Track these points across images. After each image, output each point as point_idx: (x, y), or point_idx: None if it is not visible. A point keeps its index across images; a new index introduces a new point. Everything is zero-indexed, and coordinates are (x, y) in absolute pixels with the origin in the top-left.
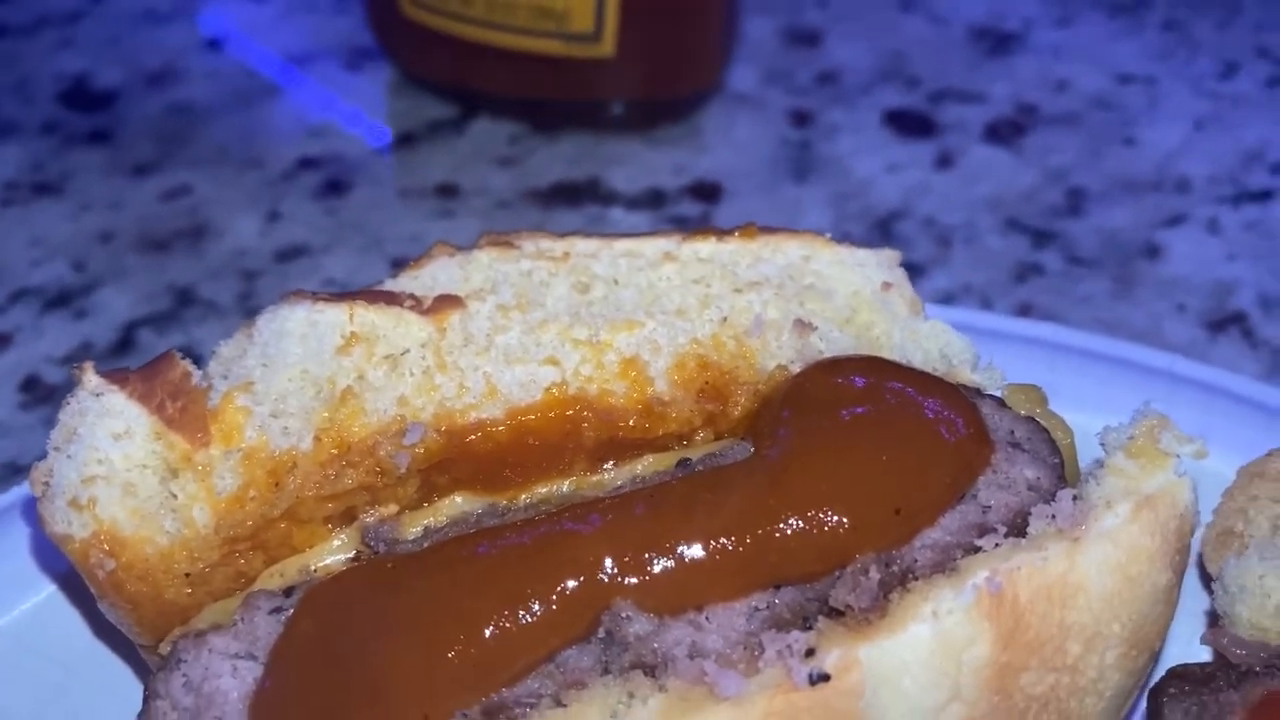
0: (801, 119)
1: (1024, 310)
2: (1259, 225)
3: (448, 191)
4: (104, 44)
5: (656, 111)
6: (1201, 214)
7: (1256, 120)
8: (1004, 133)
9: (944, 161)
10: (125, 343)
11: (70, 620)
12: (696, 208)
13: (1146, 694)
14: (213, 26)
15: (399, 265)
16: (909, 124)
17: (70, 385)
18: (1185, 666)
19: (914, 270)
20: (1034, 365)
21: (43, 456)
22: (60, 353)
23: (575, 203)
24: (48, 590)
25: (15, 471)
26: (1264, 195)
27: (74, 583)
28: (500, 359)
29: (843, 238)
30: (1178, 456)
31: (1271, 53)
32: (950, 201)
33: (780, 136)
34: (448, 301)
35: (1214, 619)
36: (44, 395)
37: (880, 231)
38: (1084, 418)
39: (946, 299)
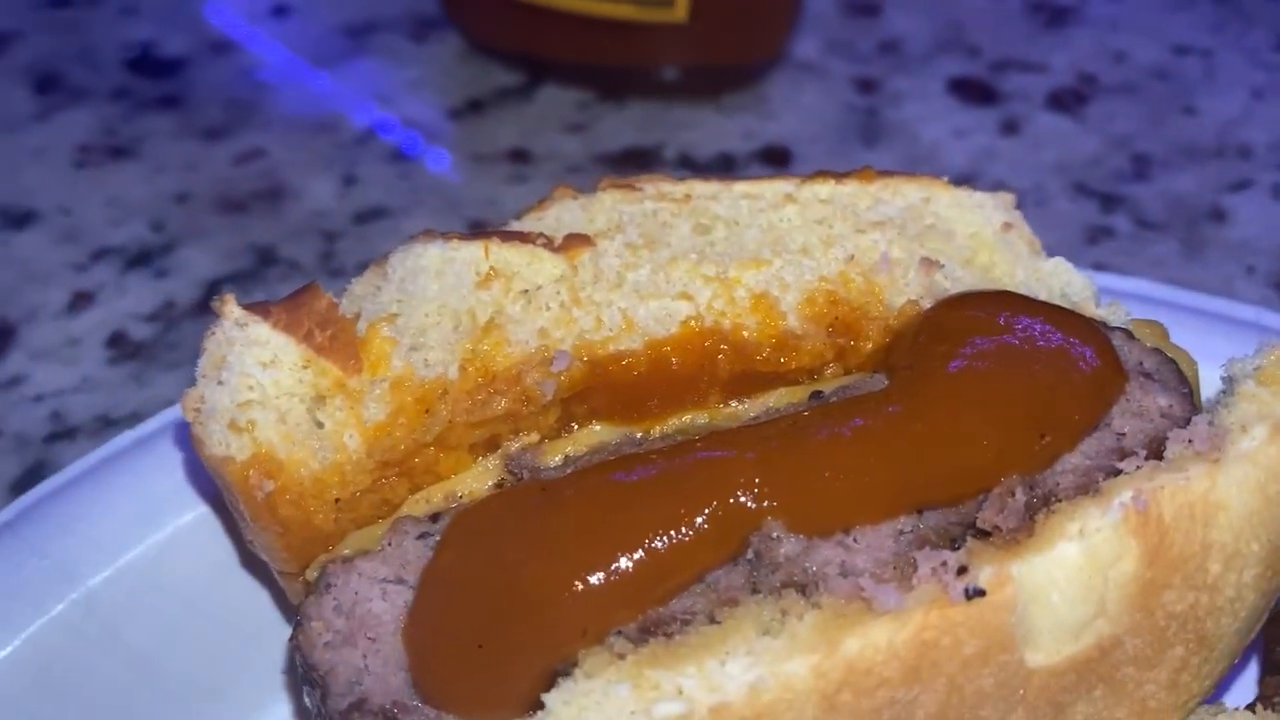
0: (867, 86)
1: (1097, 270)
2: None
3: (519, 157)
4: (168, 12)
5: (722, 79)
6: (1265, 179)
7: None
8: (1066, 101)
9: (1009, 128)
10: (208, 300)
11: (197, 555)
12: (767, 172)
13: (1264, 627)
14: None
15: (520, 214)
16: (972, 92)
17: (157, 341)
18: None
19: None
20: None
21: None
22: (145, 310)
23: (647, 167)
24: (178, 523)
25: (108, 425)
26: None
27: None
28: (633, 294)
29: None
30: None
31: None
32: (1018, 166)
33: (846, 103)
34: (577, 240)
35: None
36: (131, 352)
37: None
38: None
39: None
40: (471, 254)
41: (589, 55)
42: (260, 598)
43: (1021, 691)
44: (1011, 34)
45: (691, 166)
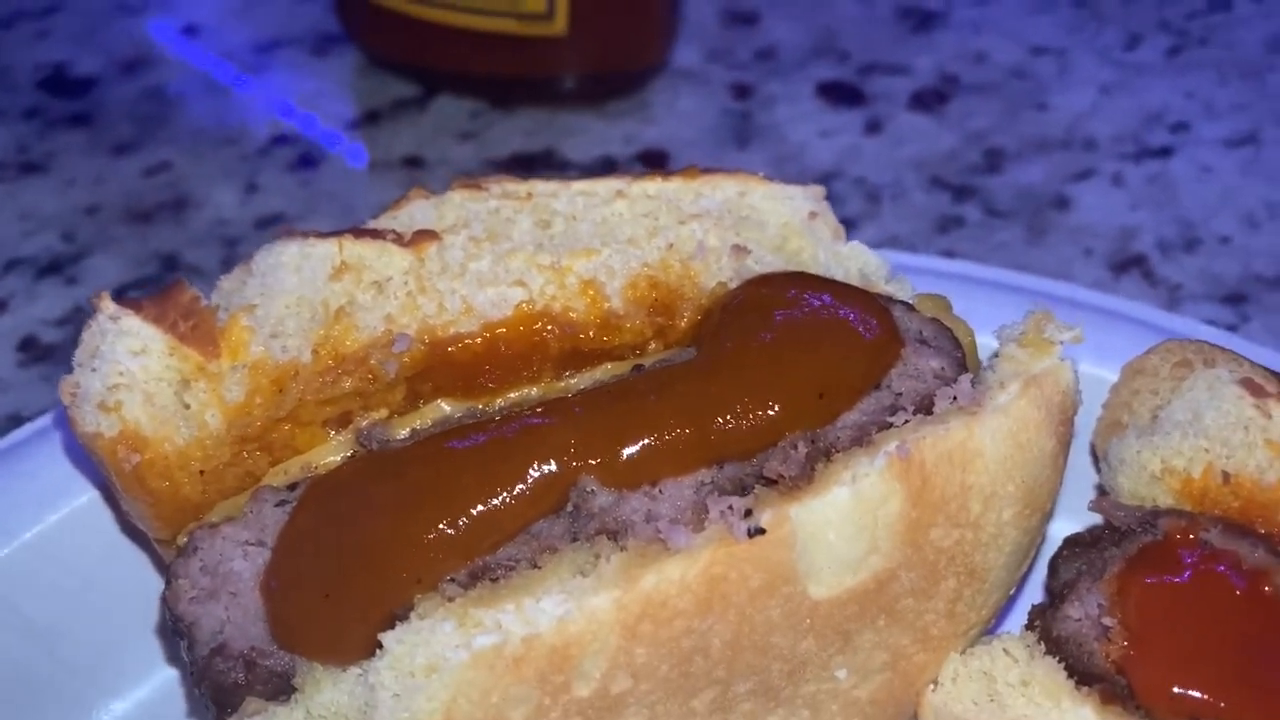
0: (742, 92)
1: (946, 256)
2: (1159, 178)
3: (414, 163)
4: (80, 35)
5: (607, 87)
6: (1107, 169)
7: (1157, 86)
8: (928, 100)
9: (873, 127)
10: None
11: (89, 533)
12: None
13: (1049, 562)
14: (184, 16)
15: (377, 214)
16: (841, 94)
17: (66, 345)
18: (1077, 533)
19: (846, 224)
20: (950, 294)
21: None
22: (55, 316)
23: (532, 171)
24: (73, 505)
25: (18, 423)
26: (1163, 152)
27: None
28: (474, 282)
29: None
30: (1060, 343)
31: (1172, 25)
32: (879, 163)
33: (722, 108)
34: (425, 235)
35: (1101, 492)
36: (41, 354)
37: None
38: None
39: (875, 249)
40: (327, 250)
41: (479, 67)
42: (149, 571)
43: (808, 621)
44: (881, 39)
45: (575, 169)
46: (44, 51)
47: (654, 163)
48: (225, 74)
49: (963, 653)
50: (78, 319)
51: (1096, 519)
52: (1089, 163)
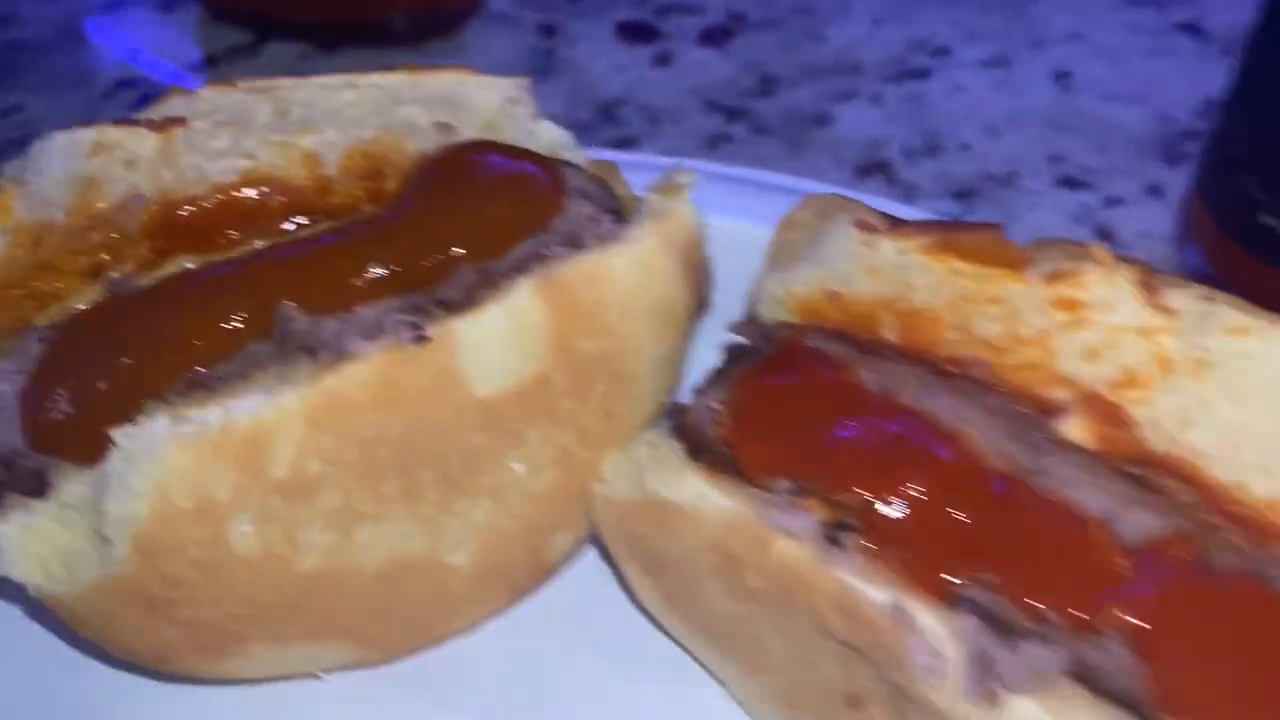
0: (549, 31)
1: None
2: (915, 97)
3: None
4: None
5: (427, 29)
6: (868, 90)
7: (927, 18)
8: (716, 36)
9: (662, 60)
10: None
11: None
12: None
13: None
14: None
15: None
16: (637, 32)
17: None
18: (725, 351)
19: (628, 143)
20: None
21: None
22: None
23: None
24: None
25: None
26: (922, 73)
27: None
28: (211, 157)
29: (574, 122)
30: (685, 186)
31: None
32: (663, 91)
33: (530, 46)
34: (174, 121)
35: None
36: None
37: (603, 115)
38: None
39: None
40: (89, 135)
41: (308, 15)
42: None
43: (477, 417)
44: None
45: None
46: None
47: None
48: (77, 26)
49: (622, 449)
50: None
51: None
52: (853, 85)
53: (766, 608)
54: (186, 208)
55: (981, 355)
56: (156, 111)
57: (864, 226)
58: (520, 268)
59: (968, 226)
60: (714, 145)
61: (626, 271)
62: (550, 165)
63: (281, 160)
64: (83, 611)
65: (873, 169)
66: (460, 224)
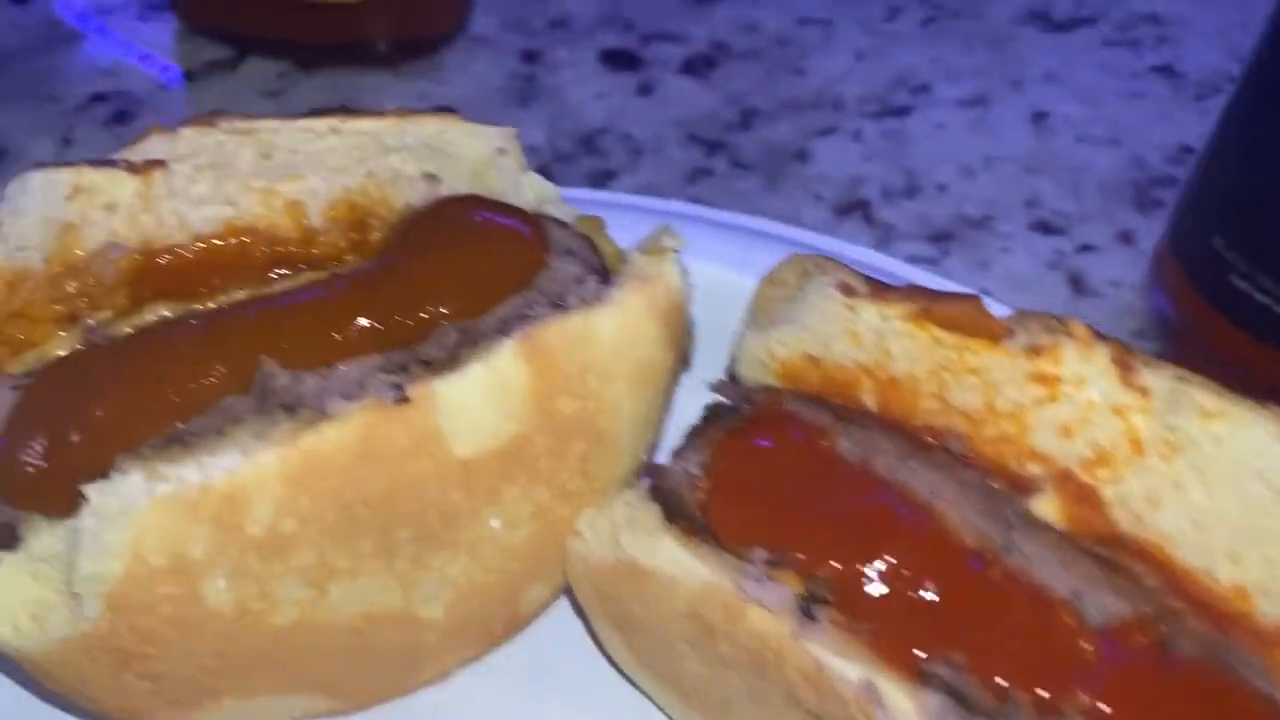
0: (530, 57)
1: (693, 204)
2: (894, 134)
3: None
4: None
5: (406, 51)
6: (848, 126)
7: (908, 54)
8: (698, 66)
9: (645, 90)
10: None
11: None
12: None
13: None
14: None
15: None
16: (620, 60)
17: None
18: (704, 411)
19: (609, 175)
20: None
21: None
22: None
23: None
24: None
25: None
26: (902, 110)
27: None
28: (192, 203)
29: (554, 153)
30: (672, 250)
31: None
32: (644, 121)
33: (511, 71)
34: (154, 164)
35: (729, 379)
36: None
37: (584, 145)
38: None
39: (630, 195)
40: (67, 177)
41: (287, 33)
42: None
43: (456, 476)
44: (664, 11)
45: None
46: None
47: None
48: (52, 38)
49: (599, 507)
50: None
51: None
52: (833, 120)
53: (737, 673)
54: (166, 256)
55: (958, 426)
56: (135, 152)
57: (846, 290)
58: (503, 328)
59: (949, 296)
60: (693, 179)
61: (610, 335)
62: (536, 223)
63: (264, 209)
64: (52, 666)
65: (852, 208)
66: (444, 281)
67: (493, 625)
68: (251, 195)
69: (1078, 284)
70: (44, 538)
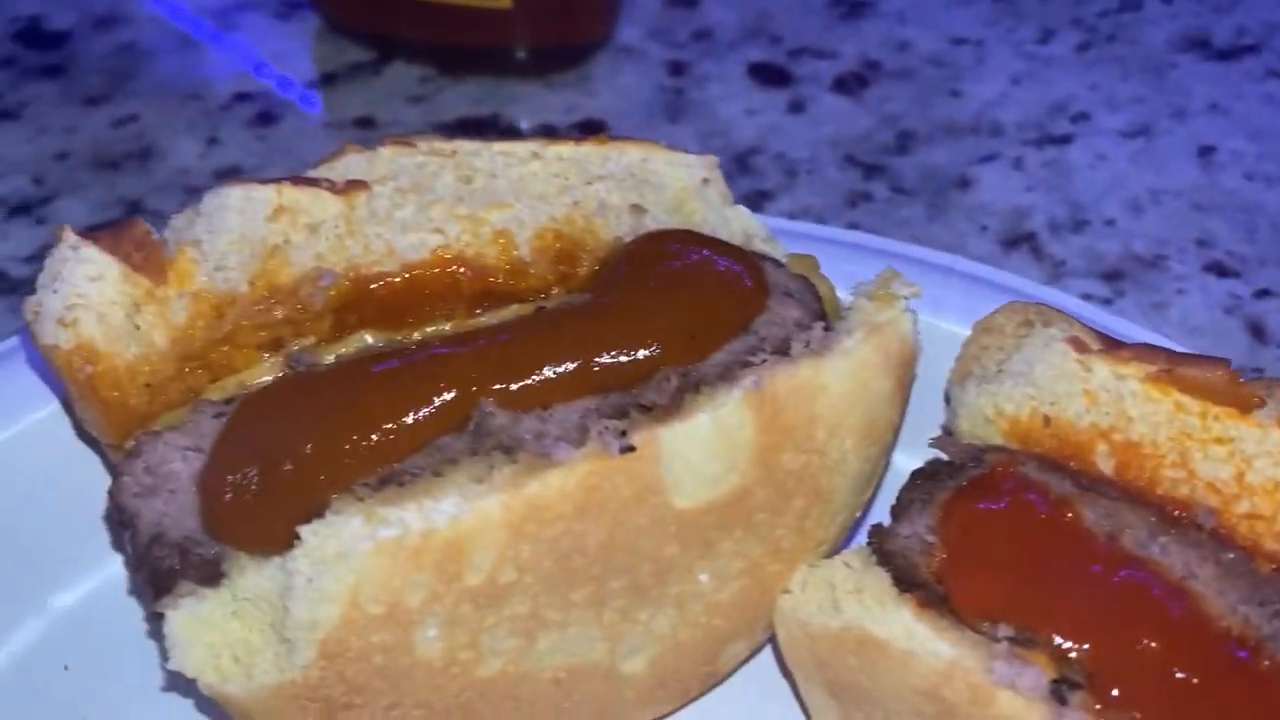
0: (678, 69)
1: (852, 229)
2: (1055, 163)
3: (366, 124)
4: None
5: (553, 59)
6: (1009, 153)
7: (1065, 78)
8: (849, 84)
9: (796, 107)
10: None
11: (48, 442)
12: None
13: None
14: None
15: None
16: (769, 75)
17: (34, 280)
18: (921, 467)
19: (764, 196)
20: (841, 261)
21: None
22: (23, 253)
23: (478, 135)
24: (33, 417)
25: None
26: (1063, 139)
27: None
28: (397, 228)
29: None
30: (903, 298)
31: (1084, 22)
32: (798, 140)
33: (658, 84)
34: (356, 184)
35: (946, 433)
36: (9, 288)
37: (738, 164)
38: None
39: (789, 219)
40: (267, 194)
41: (432, 36)
42: (103, 475)
43: (673, 528)
44: (811, 25)
45: (518, 136)
46: (19, 5)
47: (591, 132)
48: (193, 33)
49: (812, 565)
50: (45, 256)
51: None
52: (993, 147)
53: None
54: (377, 284)
55: (1205, 499)
56: (332, 170)
57: (1078, 346)
58: (725, 374)
59: (1193, 359)
60: (853, 204)
61: (840, 386)
62: (754, 263)
63: (471, 237)
64: (258, 713)
65: (1019, 240)
66: (661, 323)
67: (690, 682)
68: (456, 222)
69: (1258, 331)
70: (250, 576)
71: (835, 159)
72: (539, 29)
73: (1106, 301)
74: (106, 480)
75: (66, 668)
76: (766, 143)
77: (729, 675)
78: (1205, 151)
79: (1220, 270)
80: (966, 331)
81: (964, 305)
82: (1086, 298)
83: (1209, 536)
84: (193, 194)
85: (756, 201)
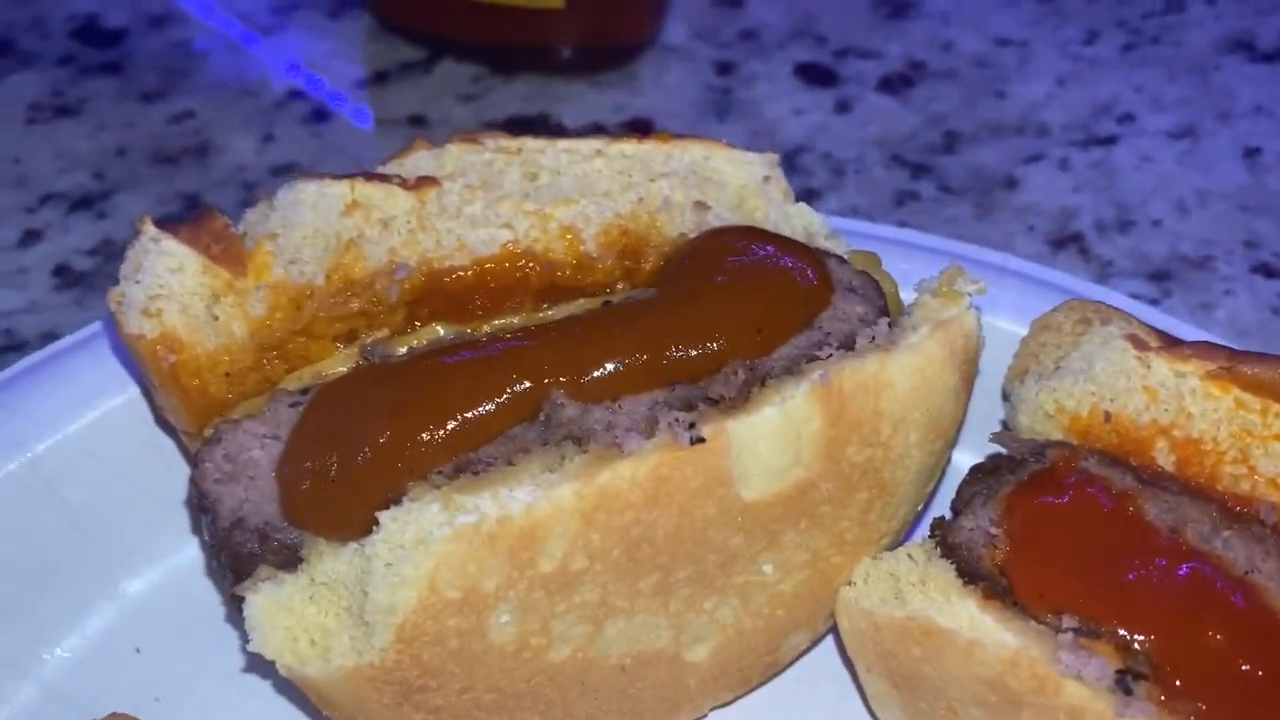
0: (724, 69)
1: (899, 227)
2: (1102, 164)
3: (418, 121)
4: None
5: (601, 59)
6: (1056, 153)
7: (1110, 79)
8: (895, 84)
9: (843, 107)
10: None
11: (124, 428)
12: None
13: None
14: None
15: (384, 162)
16: (815, 75)
17: (97, 273)
18: (981, 462)
19: (812, 195)
20: (895, 258)
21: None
22: (86, 246)
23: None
24: (110, 404)
25: (53, 339)
26: (1109, 140)
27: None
28: (468, 223)
29: None
30: (967, 294)
31: (1129, 23)
32: (845, 140)
33: (705, 83)
34: (427, 181)
35: (1005, 428)
36: (73, 280)
37: (786, 163)
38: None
39: (837, 218)
40: (340, 190)
41: (482, 35)
42: (175, 463)
43: (739, 519)
44: (856, 25)
45: (566, 135)
46: (78, 3)
47: (640, 131)
48: (246, 32)
49: (874, 557)
50: (107, 250)
51: (1002, 451)
52: (1039, 148)
53: None
54: (450, 277)
55: (1266, 495)
56: (402, 166)
57: (1137, 343)
58: (792, 368)
59: (1253, 357)
60: (900, 203)
61: (906, 381)
62: (818, 259)
63: (539, 232)
64: (335, 694)
65: (1066, 241)
66: (728, 317)
67: (751, 671)
68: (524, 218)
69: None
70: (328, 561)
71: (882, 158)
72: (589, 29)
73: (1154, 302)
74: (180, 469)
75: (138, 650)
76: (814, 142)
77: (789, 665)
78: (1251, 153)
79: (1268, 271)
80: (1020, 329)
81: (1017, 303)
82: (1134, 298)
83: (1272, 531)
84: (249, 190)
85: (806, 200)
